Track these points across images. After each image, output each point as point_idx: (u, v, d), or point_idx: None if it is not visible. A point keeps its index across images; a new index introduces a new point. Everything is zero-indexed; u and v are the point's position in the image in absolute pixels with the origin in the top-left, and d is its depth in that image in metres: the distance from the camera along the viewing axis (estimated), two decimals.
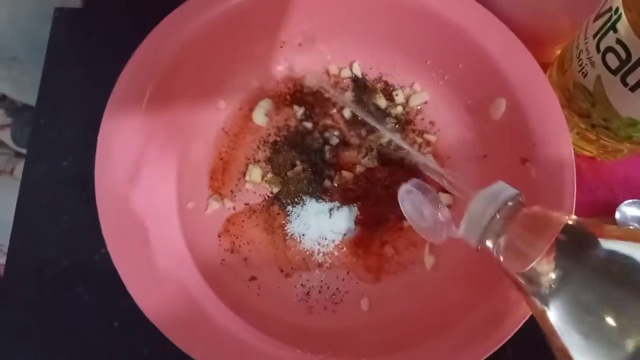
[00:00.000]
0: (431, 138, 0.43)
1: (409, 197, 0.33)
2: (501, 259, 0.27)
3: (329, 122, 0.44)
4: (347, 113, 0.44)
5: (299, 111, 0.44)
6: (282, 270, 0.40)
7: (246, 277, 0.39)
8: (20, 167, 0.90)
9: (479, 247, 0.29)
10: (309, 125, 0.43)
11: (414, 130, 0.44)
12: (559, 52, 0.45)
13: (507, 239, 0.27)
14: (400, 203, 0.33)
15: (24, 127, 0.93)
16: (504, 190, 0.29)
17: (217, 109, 0.43)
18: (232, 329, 0.34)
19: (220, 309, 0.35)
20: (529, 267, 0.25)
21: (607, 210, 0.42)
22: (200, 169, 0.42)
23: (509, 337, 0.32)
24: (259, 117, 0.43)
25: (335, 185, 0.42)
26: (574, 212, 0.35)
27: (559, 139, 0.37)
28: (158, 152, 0.39)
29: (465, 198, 0.30)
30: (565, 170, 0.36)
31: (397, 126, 0.44)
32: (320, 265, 0.40)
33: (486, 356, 0.32)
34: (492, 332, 0.32)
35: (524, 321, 0.32)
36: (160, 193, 0.38)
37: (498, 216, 0.28)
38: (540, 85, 0.38)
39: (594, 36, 0.36)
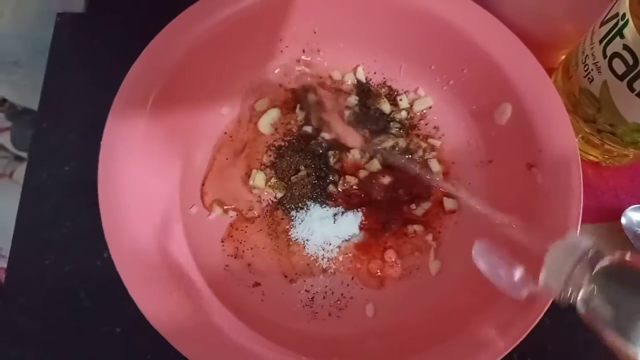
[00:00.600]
0: (436, 143, 0.43)
1: (483, 257, 0.33)
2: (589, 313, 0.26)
3: (332, 126, 0.43)
4: (349, 117, 0.44)
5: (302, 116, 0.43)
6: (286, 276, 0.39)
7: (250, 283, 0.39)
8: (19, 170, 0.89)
9: (563, 300, 0.28)
10: (310, 129, 0.43)
11: (418, 135, 0.44)
12: (563, 57, 0.45)
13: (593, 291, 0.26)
14: (475, 261, 0.33)
15: (24, 130, 0.92)
16: (580, 240, 0.28)
17: (220, 114, 0.43)
18: (235, 336, 0.34)
19: (223, 315, 0.35)
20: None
21: (612, 216, 0.42)
22: (204, 174, 0.42)
23: (516, 344, 0.32)
24: (265, 125, 0.43)
25: (340, 190, 0.42)
26: (580, 218, 0.35)
27: (566, 144, 0.36)
28: (162, 156, 0.38)
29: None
30: (572, 177, 0.35)
31: (401, 131, 0.43)
32: (324, 270, 0.40)
33: None
34: (499, 339, 0.32)
35: (530, 328, 0.32)
36: (163, 197, 0.38)
37: (579, 267, 0.26)
38: (546, 90, 0.38)
39: (600, 41, 0.36)
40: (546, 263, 0.28)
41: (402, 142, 0.43)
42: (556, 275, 0.27)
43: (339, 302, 0.39)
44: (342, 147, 0.43)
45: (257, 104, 0.44)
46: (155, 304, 0.33)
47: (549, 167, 0.36)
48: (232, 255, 0.40)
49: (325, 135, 0.43)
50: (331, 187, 0.42)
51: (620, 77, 0.34)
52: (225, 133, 0.43)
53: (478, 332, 0.33)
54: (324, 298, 0.39)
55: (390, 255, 0.40)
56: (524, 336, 0.32)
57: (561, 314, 0.39)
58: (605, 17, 0.35)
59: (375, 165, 0.42)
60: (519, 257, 0.30)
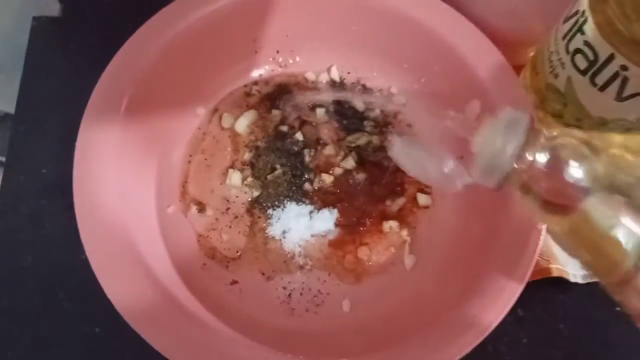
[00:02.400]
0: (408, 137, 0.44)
1: (404, 153, 0.31)
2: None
3: (307, 125, 0.44)
4: (322, 115, 0.44)
5: (277, 116, 0.44)
6: (263, 274, 0.40)
7: (227, 281, 0.39)
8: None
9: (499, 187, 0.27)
10: (286, 129, 0.44)
11: (392, 133, 0.45)
12: (531, 54, 0.46)
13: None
14: (395, 158, 0.31)
15: (4, 135, 0.92)
16: (517, 119, 0.27)
17: (195, 115, 0.44)
18: (213, 333, 0.34)
19: (201, 313, 0.36)
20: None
21: None
22: (180, 174, 0.42)
23: (487, 333, 0.33)
24: (241, 126, 0.44)
25: (315, 188, 0.42)
26: None
27: None
28: (137, 158, 0.39)
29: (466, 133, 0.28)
30: None
31: (375, 128, 0.44)
32: (301, 267, 0.40)
33: (466, 352, 0.32)
34: (471, 329, 0.32)
35: (501, 317, 0.33)
36: (139, 198, 0.38)
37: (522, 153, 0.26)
38: (512, 86, 0.39)
39: (563, 38, 0.36)
40: (479, 146, 0.27)
41: (376, 140, 0.43)
42: (494, 163, 0.26)
43: (315, 298, 0.39)
44: (317, 146, 0.43)
45: (232, 104, 0.44)
46: (131, 302, 0.33)
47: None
48: (209, 254, 0.40)
49: (300, 134, 0.43)
50: (307, 185, 0.42)
51: (583, 72, 0.35)
52: (202, 133, 0.44)
53: (452, 323, 0.33)
54: (301, 294, 0.39)
55: (365, 252, 0.41)
56: (495, 325, 0.33)
57: (534, 304, 0.40)
58: (568, 14, 0.36)
59: (350, 162, 0.43)
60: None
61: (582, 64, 0.35)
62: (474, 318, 0.33)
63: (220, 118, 0.44)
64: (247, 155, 0.43)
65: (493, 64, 0.40)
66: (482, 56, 0.40)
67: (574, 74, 0.36)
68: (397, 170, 0.43)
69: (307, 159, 0.43)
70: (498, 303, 0.33)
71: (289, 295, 0.39)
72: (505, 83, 0.39)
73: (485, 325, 0.33)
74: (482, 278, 0.35)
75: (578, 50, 0.35)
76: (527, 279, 0.34)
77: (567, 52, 0.36)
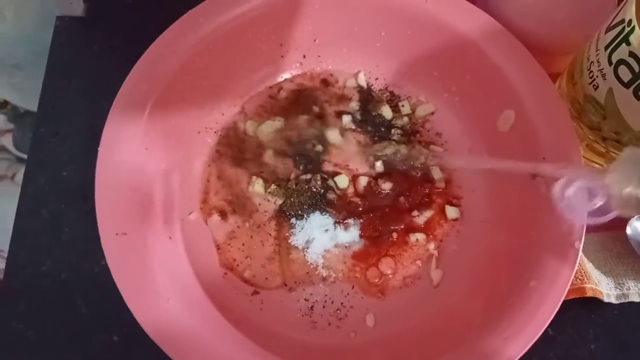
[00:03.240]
0: (437, 150, 0.43)
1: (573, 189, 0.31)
2: None
3: (333, 133, 0.43)
4: (348, 122, 0.43)
5: (303, 123, 0.43)
6: (285, 284, 0.39)
7: (249, 292, 0.38)
8: (21, 172, 0.89)
9: None
10: (311, 136, 0.42)
11: (420, 142, 0.43)
12: (568, 62, 0.45)
13: None
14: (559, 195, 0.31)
15: (26, 133, 0.92)
16: None
17: (220, 119, 0.43)
18: (232, 346, 0.33)
19: (221, 325, 0.35)
20: None
21: (617, 225, 0.41)
22: (202, 180, 0.41)
23: (520, 355, 0.31)
24: (265, 133, 0.43)
25: (340, 197, 0.41)
26: (584, 229, 0.34)
27: (570, 153, 0.36)
28: (160, 162, 0.38)
29: None
30: None
31: (403, 137, 0.43)
32: (324, 279, 0.39)
33: None
34: (503, 351, 0.31)
35: (532, 342, 0.32)
36: (162, 204, 0.37)
37: None
38: (550, 97, 0.38)
39: (606, 48, 0.35)
40: (614, 182, 0.28)
41: (403, 149, 0.42)
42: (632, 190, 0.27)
43: (338, 311, 0.38)
44: (342, 155, 0.42)
45: (257, 109, 0.43)
46: (151, 312, 0.32)
47: (552, 176, 0.36)
48: (228, 265, 0.39)
49: (327, 142, 0.42)
50: (331, 195, 0.41)
51: (626, 85, 0.34)
52: (225, 138, 0.42)
53: (481, 344, 0.32)
54: (324, 307, 0.38)
55: (390, 264, 0.40)
56: (528, 348, 0.32)
57: (564, 324, 0.39)
58: (611, 23, 0.35)
59: (377, 169, 0.42)
60: None
61: (625, 76, 0.33)
62: (503, 343, 0.32)
63: (245, 123, 0.43)
64: (271, 163, 0.42)
65: (529, 72, 0.39)
66: (517, 64, 0.39)
67: (616, 86, 0.35)
68: (425, 180, 0.42)
69: (331, 167, 0.42)
70: (530, 327, 0.32)
71: (311, 307, 0.38)
72: (541, 93, 0.38)
73: (514, 353, 0.32)
74: (514, 297, 0.33)
75: (622, 62, 0.33)
76: (562, 299, 0.33)
77: (610, 63, 0.34)
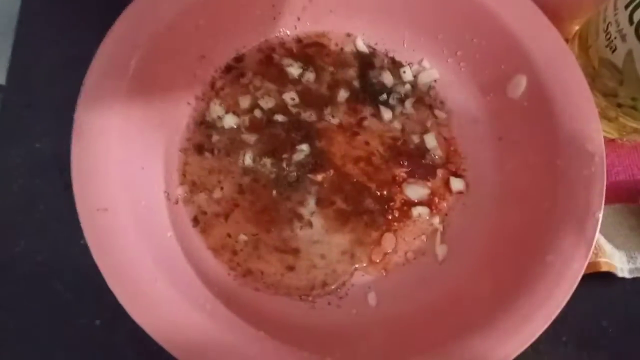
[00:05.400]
0: (440, 115, 0.40)
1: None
2: None
3: (331, 102, 0.40)
4: (344, 95, 0.40)
5: (294, 94, 0.40)
6: (283, 262, 0.36)
7: (242, 272, 0.36)
8: None
9: None
10: (301, 110, 0.40)
11: (423, 104, 0.41)
12: (577, 27, 0.42)
13: None
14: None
15: None
16: None
17: (207, 89, 0.39)
18: (225, 328, 0.31)
19: (213, 306, 0.32)
20: None
21: (628, 196, 0.40)
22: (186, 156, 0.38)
23: (538, 335, 0.29)
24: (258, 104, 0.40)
25: (335, 173, 0.38)
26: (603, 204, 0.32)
27: (588, 122, 0.33)
28: (142, 132, 0.35)
29: None
30: (595, 157, 0.32)
31: (402, 104, 0.40)
32: (321, 255, 0.37)
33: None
34: (513, 337, 0.29)
35: (554, 317, 0.30)
36: (145, 178, 0.34)
37: None
38: (566, 60, 0.35)
39: (626, 7, 0.33)
40: None
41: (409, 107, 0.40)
42: None
43: (338, 290, 0.36)
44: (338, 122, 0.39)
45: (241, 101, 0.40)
46: (136, 295, 0.30)
47: (569, 147, 0.33)
48: (219, 242, 0.36)
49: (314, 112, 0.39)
50: (327, 164, 0.38)
51: None
52: (213, 103, 0.39)
53: (497, 324, 0.30)
54: (323, 287, 0.36)
55: (391, 240, 0.37)
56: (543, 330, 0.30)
57: (575, 300, 0.37)
58: None
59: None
60: None
61: None
62: (518, 323, 0.30)
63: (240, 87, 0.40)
64: (260, 133, 0.39)
65: (542, 33, 0.36)
66: (529, 25, 0.36)
67: (637, 47, 0.32)
68: (427, 150, 0.39)
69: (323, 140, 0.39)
70: (549, 304, 0.30)
71: (311, 287, 0.36)
72: (556, 56, 0.35)
73: (530, 333, 0.30)
74: (529, 273, 0.31)
75: None
76: (582, 273, 0.31)
77: (631, 22, 0.32)
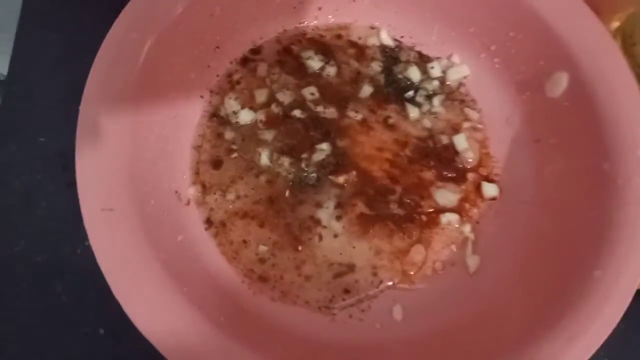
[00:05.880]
0: (472, 114, 0.37)
1: None
2: None
3: (351, 99, 0.37)
4: (370, 87, 0.37)
5: (314, 90, 0.37)
6: (301, 272, 0.34)
7: (256, 277, 0.33)
8: None
9: None
10: (322, 106, 0.37)
11: (453, 102, 0.38)
12: (617, 23, 0.39)
13: None
14: None
15: None
16: None
17: (222, 80, 0.37)
18: (235, 344, 0.28)
19: (226, 317, 0.29)
20: None
21: None
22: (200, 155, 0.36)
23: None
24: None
25: (357, 175, 0.36)
26: None
27: (637, 126, 0.30)
28: (152, 127, 0.32)
29: None
30: None
31: (429, 101, 0.38)
32: (343, 264, 0.34)
33: None
34: (567, 354, 0.26)
35: (603, 339, 0.27)
36: (154, 176, 0.32)
37: None
38: (612, 57, 0.32)
39: None
40: None
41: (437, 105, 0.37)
42: None
43: (361, 302, 0.33)
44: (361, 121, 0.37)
45: (257, 94, 0.37)
46: (143, 303, 0.27)
47: (616, 151, 0.31)
48: (233, 246, 0.34)
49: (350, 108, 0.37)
50: (348, 167, 0.36)
51: None
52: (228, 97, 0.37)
53: (538, 346, 0.27)
54: (344, 299, 0.33)
55: (419, 250, 0.35)
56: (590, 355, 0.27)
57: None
58: None
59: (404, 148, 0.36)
60: None
61: None
62: (562, 346, 0.27)
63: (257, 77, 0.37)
64: (280, 131, 0.36)
65: (586, 27, 0.33)
66: (571, 17, 0.33)
67: None
68: (457, 152, 0.37)
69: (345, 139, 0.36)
70: (598, 324, 0.27)
71: (331, 298, 0.33)
72: (601, 52, 0.32)
73: (581, 356, 0.27)
74: (573, 290, 0.28)
75: None
76: (633, 292, 0.28)
77: None
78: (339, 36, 0.39)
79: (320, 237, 0.34)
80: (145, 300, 0.27)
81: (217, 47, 0.36)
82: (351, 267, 0.34)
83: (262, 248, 0.34)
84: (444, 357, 0.30)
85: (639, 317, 0.29)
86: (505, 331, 0.29)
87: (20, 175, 0.36)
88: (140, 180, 0.30)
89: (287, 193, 0.35)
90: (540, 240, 0.33)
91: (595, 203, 0.30)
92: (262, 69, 0.37)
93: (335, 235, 0.34)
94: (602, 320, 0.27)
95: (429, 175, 0.36)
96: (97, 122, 0.29)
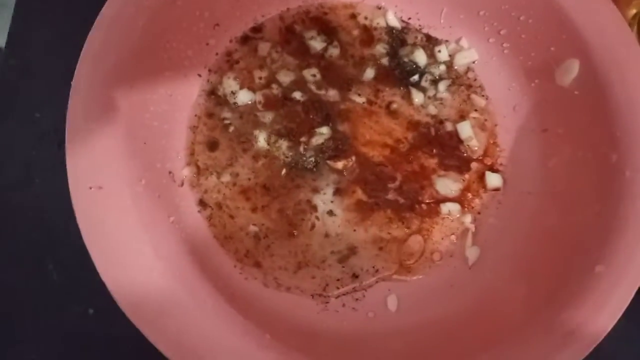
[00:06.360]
0: (479, 101, 0.36)
1: None
2: None
3: (354, 82, 0.36)
4: (371, 73, 0.36)
5: (316, 71, 0.36)
6: (295, 258, 0.33)
7: (249, 263, 0.32)
8: None
9: None
10: (323, 89, 0.36)
11: (459, 88, 0.36)
12: (634, 11, 0.38)
13: None
14: None
15: None
16: None
17: (221, 58, 0.36)
18: (226, 329, 0.28)
19: (214, 302, 0.29)
20: None
21: None
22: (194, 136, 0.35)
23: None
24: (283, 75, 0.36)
25: (357, 160, 0.35)
26: None
27: None
28: (145, 104, 0.31)
29: None
30: None
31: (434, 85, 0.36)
32: (339, 252, 0.33)
33: None
34: (563, 351, 0.25)
35: (601, 339, 0.26)
36: (146, 155, 0.31)
37: None
38: (626, 45, 0.31)
39: None
40: None
41: (443, 90, 0.36)
42: None
43: (356, 291, 0.32)
44: (364, 104, 0.36)
45: (256, 74, 0.36)
46: (130, 285, 0.27)
47: (626, 143, 0.29)
48: (224, 231, 0.33)
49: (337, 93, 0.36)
50: (348, 152, 0.35)
51: None
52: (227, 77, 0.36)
53: (531, 343, 0.26)
54: (338, 287, 0.32)
55: (417, 239, 0.34)
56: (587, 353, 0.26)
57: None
58: None
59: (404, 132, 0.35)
60: None
61: None
62: (558, 344, 0.26)
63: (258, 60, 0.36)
64: (279, 113, 0.35)
65: (600, 13, 0.31)
66: (585, 2, 0.32)
67: None
68: (460, 140, 0.35)
69: (346, 123, 0.35)
70: (597, 322, 0.26)
71: (325, 286, 0.32)
72: (615, 39, 0.31)
73: (572, 355, 0.26)
74: (574, 286, 0.27)
75: None
76: (635, 289, 0.27)
77: None
78: (343, 16, 0.38)
79: (316, 224, 0.33)
80: (131, 282, 0.27)
81: (217, 25, 0.35)
82: (347, 255, 0.33)
83: (257, 233, 0.33)
84: (437, 350, 0.29)
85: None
86: (501, 326, 0.29)
87: (15, 151, 0.36)
88: (132, 159, 0.29)
89: (283, 177, 0.34)
90: (543, 233, 0.32)
91: (601, 196, 0.29)
92: (262, 48, 0.36)
93: (332, 222, 0.33)
94: (602, 317, 0.26)
95: (431, 163, 0.35)
96: (89, 99, 0.29)
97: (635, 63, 0.30)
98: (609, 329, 0.26)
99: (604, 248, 0.28)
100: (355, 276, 0.33)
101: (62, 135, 0.29)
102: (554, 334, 0.26)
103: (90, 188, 0.27)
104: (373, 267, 0.33)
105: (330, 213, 0.34)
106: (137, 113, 0.31)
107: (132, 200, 0.28)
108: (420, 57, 0.36)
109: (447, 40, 0.37)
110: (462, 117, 0.36)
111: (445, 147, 0.36)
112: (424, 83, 0.36)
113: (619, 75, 0.30)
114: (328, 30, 0.37)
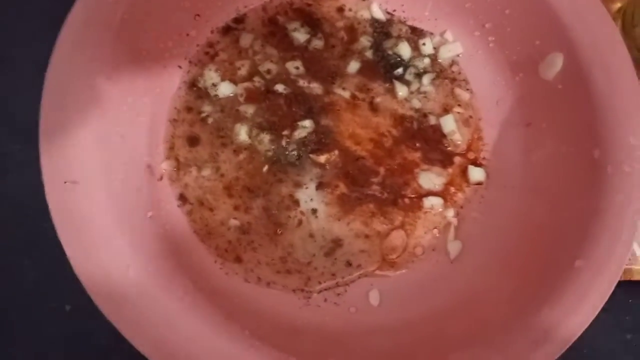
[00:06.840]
0: (463, 95, 0.36)
1: None
2: None
3: (339, 74, 0.36)
4: (355, 66, 0.36)
5: (299, 64, 0.35)
6: (277, 253, 0.32)
7: (230, 259, 0.32)
8: None
9: None
10: (306, 81, 0.35)
11: (443, 81, 0.36)
12: (618, 5, 0.38)
13: None
14: None
15: None
16: None
17: (200, 50, 0.35)
18: (206, 328, 0.27)
19: (193, 299, 0.28)
20: None
21: None
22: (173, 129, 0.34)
23: (561, 352, 0.26)
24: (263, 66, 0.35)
25: (340, 154, 0.34)
26: None
27: (632, 112, 0.29)
28: (124, 96, 0.31)
29: None
30: (638, 158, 0.28)
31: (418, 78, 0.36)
32: (322, 247, 0.33)
33: None
34: (540, 346, 0.25)
35: (579, 334, 0.26)
36: (124, 149, 0.30)
37: None
38: (611, 40, 0.31)
39: None
40: None
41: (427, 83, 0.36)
42: None
43: (338, 286, 0.32)
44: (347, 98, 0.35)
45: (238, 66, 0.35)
46: (106, 282, 0.26)
47: (608, 138, 0.29)
48: (205, 226, 0.32)
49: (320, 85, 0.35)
50: (331, 145, 0.34)
51: None
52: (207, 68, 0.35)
53: (512, 340, 0.26)
54: (320, 282, 0.32)
55: (399, 234, 0.33)
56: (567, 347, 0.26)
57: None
58: None
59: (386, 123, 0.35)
60: None
61: None
62: (538, 338, 0.26)
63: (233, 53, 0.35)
64: (260, 106, 0.35)
65: (585, 7, 0.31)
66: None
67: None
68: (443, 135, 0.35)
69: (329, 116, 0.35)
70: (575, 317, 0.26)
71: (307, 280, 0.32)
72: (600, 33, 0.31)
73: (551, 351, 0.26)
74: (553, 280, 0.27)
75: None
76: (614, 284, 0.27)
77: None
78: (327, 7, 0.37)
79: (299, 219, 0.33)
80: (108, 280, 0.26)
81: (198, 15, 0.34)
82: (330, 250, 0.33)
83: (237, 227, 0.32)
84: (419, 344, 0.29)
85: (622, 308, 0.28)
86: (483, 320, 0.29)
87: None
88: (109, 152, 0.29)
89: (265, 171, 0.34)
90: (524, 227, 0.32)
91: (583, 190, 0.29)
92: (245, 39, 0.36)
93: (315, 217, 0.33)
94: (583, 310, 0.26)
95: (414, 157, 0.35)
96: (64, 90, 0.28)
97: (618, 57, 0.30)
98: (589, 321, 0.26)
99: (584, 242, 0.28)
100: (337, 271, 0.32)
101: (36, 128, 0.28)
102: (536, 327, 0.26)
103: (65, 182, 0.27)
104: (355, 261, 0.33)
105: (313, 208, 0.33)
106: (115, 105, 0.30)
107: (109, 195, 0.28)
108: (405, 50, 0.36)
109: (431, 33, 0.37)
110: (446, 110, 0.36)
111: (428, 141, 0.35)
112: (408, 76, 0.36)
113: (602, 70, 0.30)
114: (312, 21, 0.36)
